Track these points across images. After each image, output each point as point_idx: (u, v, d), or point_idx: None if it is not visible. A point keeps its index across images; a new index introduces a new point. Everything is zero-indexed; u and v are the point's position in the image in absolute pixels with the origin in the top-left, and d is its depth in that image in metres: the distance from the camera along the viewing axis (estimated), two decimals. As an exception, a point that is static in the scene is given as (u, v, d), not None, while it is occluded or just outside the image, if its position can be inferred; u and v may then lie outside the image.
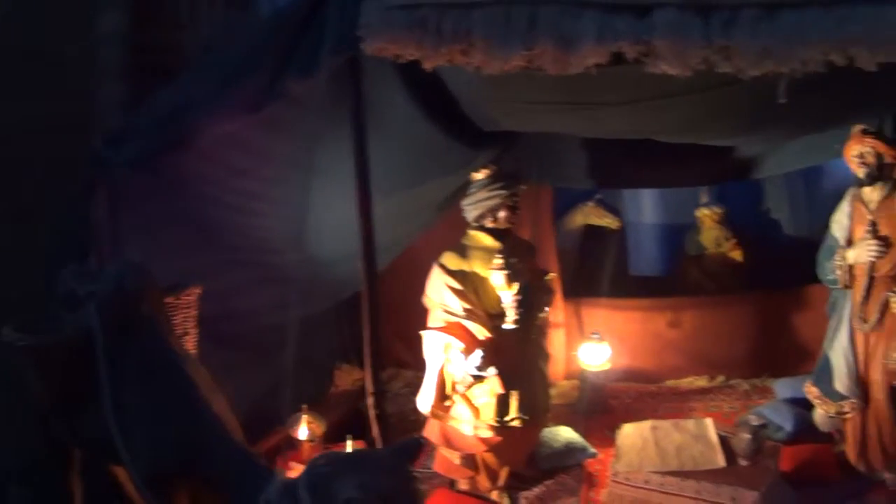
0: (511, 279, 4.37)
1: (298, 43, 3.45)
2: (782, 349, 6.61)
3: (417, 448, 2.78)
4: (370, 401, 3.85)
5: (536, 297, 4.60)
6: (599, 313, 6.94)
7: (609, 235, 8.02)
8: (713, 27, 2.94)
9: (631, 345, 6.86)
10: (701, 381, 6.86)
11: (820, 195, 6.82)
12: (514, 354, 4.49)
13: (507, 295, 4.39)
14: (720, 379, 6.85)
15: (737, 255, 7.80)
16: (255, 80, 3.49)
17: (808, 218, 7.34)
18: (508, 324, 4.42)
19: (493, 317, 4.47)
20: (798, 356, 6.12)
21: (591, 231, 7.90)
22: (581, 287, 7.15)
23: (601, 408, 6.22)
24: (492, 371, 4.31)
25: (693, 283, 7.78)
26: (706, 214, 7.82)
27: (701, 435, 5.25)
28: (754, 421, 5.09)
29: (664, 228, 8.65)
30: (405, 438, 3.29)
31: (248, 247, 4.44)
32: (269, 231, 4.44)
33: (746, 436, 4.97)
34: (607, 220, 7.85)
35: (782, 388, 6.22)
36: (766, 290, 7.18)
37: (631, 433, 5.38)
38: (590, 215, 7.81)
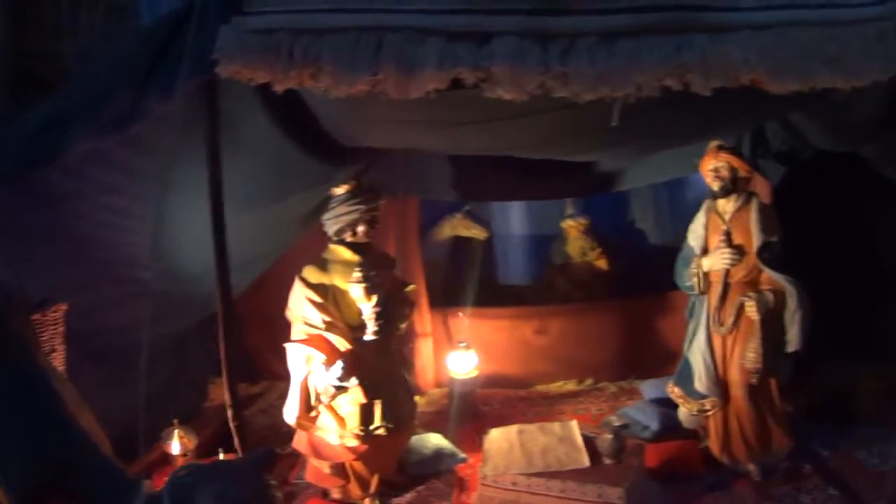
0: (370, 292, 4.46)
1: (159, 63, 3.50)
2: (647, 352, 6.88)
3: (272, 457, 2.91)
4: (229, 413, 3.89)
5: (396, 308, 4.71)
6: (469, 322, 7.04)
7: (477, 246, 8.19)
8: (551, 54, 3.12)
9: (499, 352, 7.04)
10: (570, 385, 7.08)
11: (683, 206, 7.05)
12: (376, 364, 4.58)
13: (366, 307, 4.49)
14: (588, 382, 7.09)
15: (602, 263, 8.08)
16: (120, 99, 3.52)
17: (671, 227, 7.59)
18: (369, 335, 4.50)
19: (353, 328, 4.55)
20: (662, 358, 6.33)
21: (460, 242, 8.07)
22: (450, 297, 7.29)
23: (472, 414, 6.34)
24: (354, 381, 4.39)
25: (559, 291, 8.00)
26: (571, 225, 8.08)
27: (566, 437, 5.49)
28: (616, 422, 5.36)
29: (531, 239, 8.87)
30: (260, 448, 3.42)
31: (116, 262, 4.44)
32: (136, 247, 4.44)
33: (609, 436, 5.22)
34: (475, 231, 8.03)
35: (648, 389, 6.49)
36: (630, 297, 7.44)
37: (498, 438, 5.58)
38: (458, 227, 8.00)
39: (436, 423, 6.18)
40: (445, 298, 7.26)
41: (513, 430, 5.71)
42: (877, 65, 3.31)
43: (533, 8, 3.17)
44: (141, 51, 3.59)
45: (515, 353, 7.18)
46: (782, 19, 3.30)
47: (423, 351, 6.93)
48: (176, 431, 4.87)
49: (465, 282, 7.56)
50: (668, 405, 5.74)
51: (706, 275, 5.19)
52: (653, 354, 6.79)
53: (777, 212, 5.97)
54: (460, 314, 6.96)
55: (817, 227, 6.22)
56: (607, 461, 5.24)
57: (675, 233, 5.56)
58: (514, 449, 5.41)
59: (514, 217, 8.85)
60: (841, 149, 5.44)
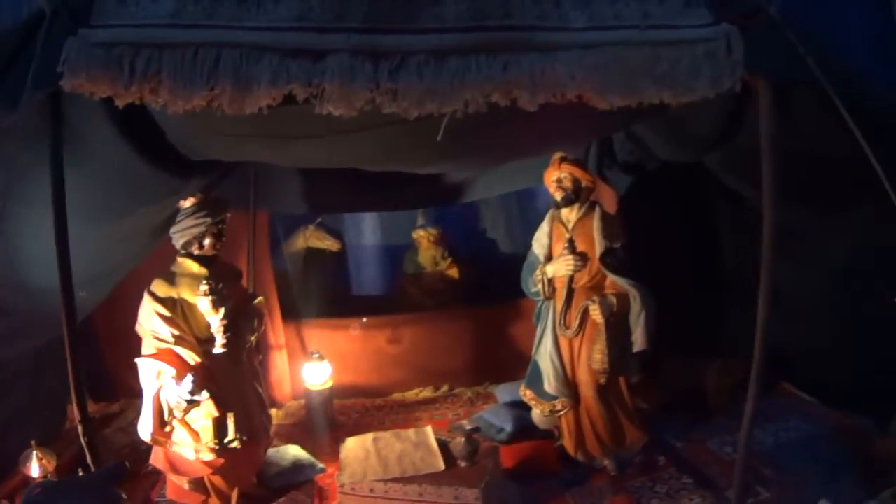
0: (217, 305, 4.49)
1: (6, 74, 3.45)
2: (501, 357, 7.08)
3: (122, 470, 2.97)
4: (80, 429, 3.85)
5: (244, 320, 4.79)
6: (322, 333, 7.20)
7: (330, 257, 8.28)
8: (381, 71, 3.25)
9: (354, 362, 7.17)
10: (426, 392, 7.27)
11: (533, 214, 7.21)
12: (227, 377, 4.64)
13: (214, 320, 4.53)
14: (444, 389, 7.31)
15: (453, 272, 8.30)
16: None
17: (522, 236, 7.80)
18: (218, 348, 4.56)
19: (203, 342, 4.59)
20: (516, 363, 6.42)
21: (313, 254, 8.12)
22: (304, 308, 7.36)
23: (329, 424, 6.42)
24: (205, 395, 4.40)
25: (412, 300, 8.13)
26: (422, 235, 8.27)
27: (421, 442, 5.55)
28: (467, 426, 5.44)
29: (384, 249, 9.04)
30: (111, 462, 3.46)
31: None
32: None
33: (461, 440, 5.30)
34: (328, 243, 8.08)
35: (503, 392, 6.69)
36: (482, 304, 7.66)
37: (354, 446, 5.60)
38: (311, 238, 8.04)
39: (294, 434, 6.29)
40: (299, 310, 7.33)
41: (368, 437, 5.76)
42: (704, 82, 3.55)
43: (365, 26, 3.29)
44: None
45: (370, 363, 7.32)
46: (612, 39, 3.51)
47: (278, 363, 6.98)
48: (34, 453, 4.75)
49: (319, 293, 7.66)
50: (522, 407, 5.95)
51: (551, 281, 5.40)
52: (506, 359, 6.97)
53: (624, 218, 6.24)
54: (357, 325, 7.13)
55: (664, 232, 6.53)
56: (462, 464, 5.33)
57: (526, 241, 5.75)
58: (370, 456, 5.46)
59: (367, 228, 8.99)
60: (683, 159, 5.67)
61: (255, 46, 3.29)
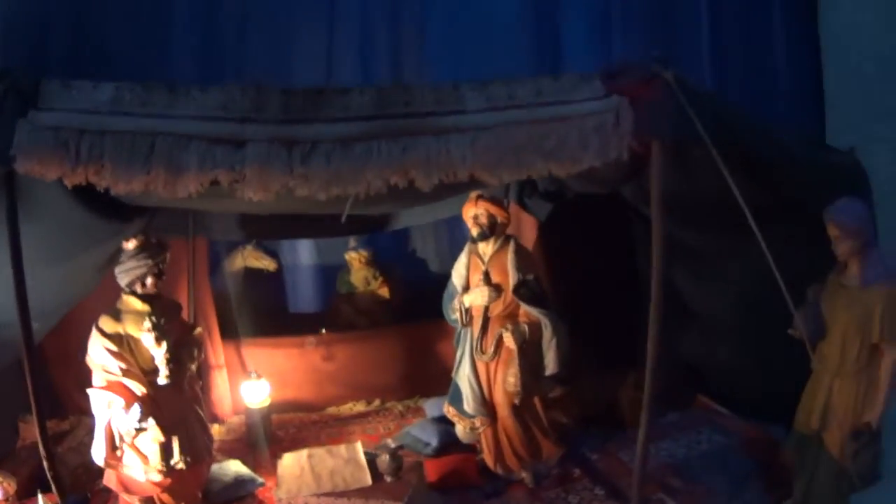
0: (160, 339, 4.77)
1: None
2: (430, 373, 7.41)
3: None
4: (45, 464, 4.29)
5: (185, 352, 5.07)
6: (260, 352, 7.47)
7: (268, 277, 8.54)
8: (294, 158, 3.67)
9: (291, 379, 7.50)
10: (359, 407, 7.64)
11: (460, 238, 7.48)
12: (170, 404, 4.93)
13: (158, 353, 4.81)
14: (377, 403, 7.69)
15: (384, 292, 8.64)
16: None
17: (451, 256, 7.70)
18: (162, 379, 4.84)
19: (147, 373, 4.86)
20: (444, 378, 6.55)
21: (251, 273, 8.38)
22: (243, 327, 7.59)
23: (269, 439, 6.69)
24: (151, 422, 4.72)
25: (345, 319, 8.45)
26: (354, 257, 8.60)
27: (351, 458, 6.02)
28: (392, 443, 5.92)
29: (319, 269, 9.27)
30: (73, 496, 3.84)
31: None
32: None
33: (386, 456, 5.79)
34: (265, 263, 8.35)
35: (431, 407, 7.05)
36: (412, 323, 8.00)
37: (290, 462, 6.05)
38: (248, 258, 8.29)
39: (236, 450, 6.58)
40: (238, 329, 7.55)
41: (303, 454, 6.16)
42: (591, 153, 3.98)
43: (281, 117, 3.71)
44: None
45: (307, 379, 7.63)
46: (503, 119, 3.93)
47: (219, 381, 7.25)
48: None
49: (257, 312, 7.88)
50: (448, 422, 6.28)
51: (468, 309, 5.82)
52: (434, 374, 7.28)
53: (545, 244, 6.72)
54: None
55: (582, 256, 6.91)
56: (388, 479, 5.79)
57: (454, 261, 6.12)
58: (304, 472, 5.87)
59: (302, 249, 9.22)
60: (597, 191, 5.96)
61: (185, 135, 3.68)
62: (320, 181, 3.76)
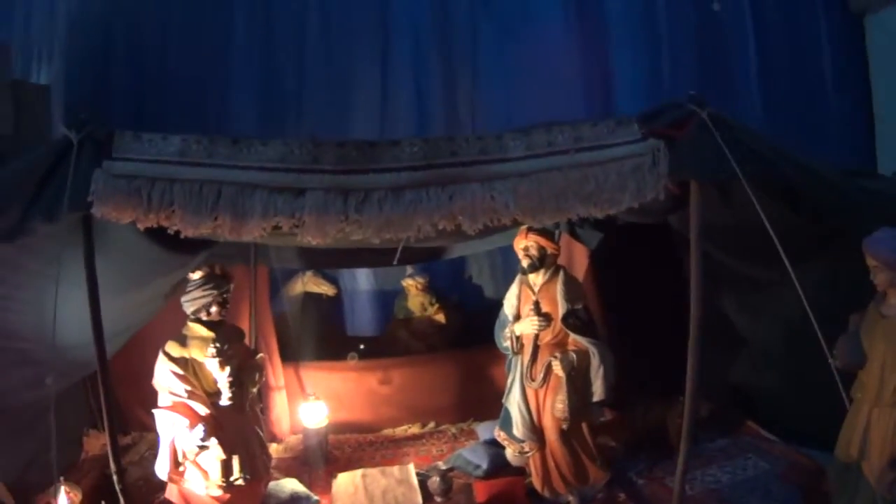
0: (224, 364, 5.15)
1: (43, 189, 4.11)
2: (483, 397, 7.56)
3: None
4: (115, 477, 4.61)
5: (247, 375, 5.42)
6: (319, 374, 7.82)
7: (327, 302, 8.93)
8: (350, 205, 4.02)
9: (348, 401, 7.82)
10: (414, 429, 7.90)
11: (515, 264, 7.24)
12: (232, 425, 5.27)
13: (221, 377, 5.19)
14: (431, 426, 7.94)
15: (440, 317, 8.98)
16: (8, 215, 4.10)
17: (505, 283, 7.80)
18: (224, 401, 5.20)
19: (211, 395, 5.22)
20: (496, 402, 6.63)
21: (311, 298, 8.74)
22: (302, 350, 7.96)
23: (325, 459, 7.02)
24: (213, 441, 5.06)
25: (402, 343, 8.77)
26: (411, 284, 8.96)
27: (404, 479, 6.30)
28: (442, 466, 6.22)
29: (376, 294, 9.61)
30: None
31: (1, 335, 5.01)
32: (20, 324, 5.03)
33: (437, 478, 6.08)
34: (325, 288, 8.72)
35: (483, 430, 7.25)
36: (467, 348, 8.32)
37: (344, 481, 6.34)
38: (308, 283, 8.65)
39: (293, 468, 6.87)
40: (297, 352, 7.91)
41: (358, 473, 6.45)
42: (629, 195, 4.26)
43: (336, 168, 4.06)
44: (26, 175, 4.19)
45: (363, 402, 7.93)
46: (544, 166, 4.24)
47: (278, 402, 7.60)
48: (62, 487, 5.21)
49: (316, 336, 8.26)
50: (499, 445, 6.45)
51: (519, 338, 6.08)
52: (487, 398, 7.31)
53: (595, 272, 6.93)
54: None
55: (633, 283, 7.10)
56: (438, 499, 6.06)
57: (508, 289, 6.35)
58: (358, 491, 6.16)
59: (361, 275, 9.54)
60: (645, 221, 6.08)
61: (248, 184, 4.05)
62: (374, 226, 4.10)
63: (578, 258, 7.79)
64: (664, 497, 6.05)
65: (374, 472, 6.51)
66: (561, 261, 6.35)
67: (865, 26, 10.35)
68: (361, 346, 8.38)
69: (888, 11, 9.88)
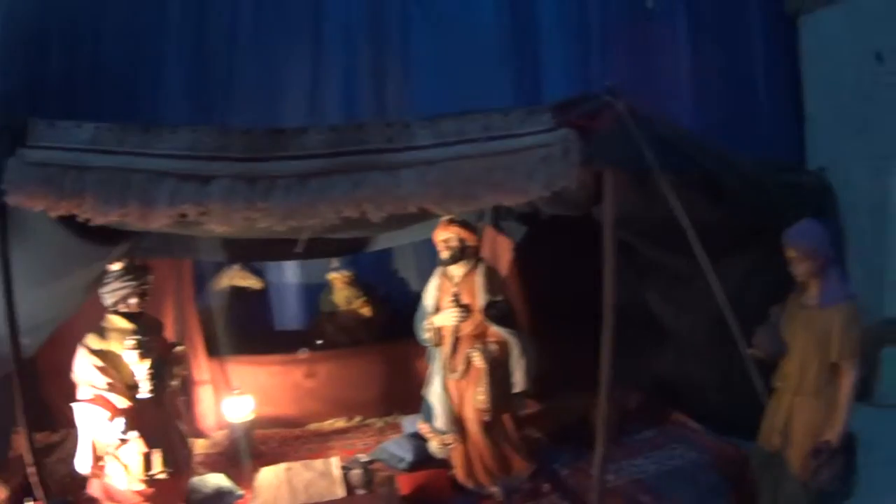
0: (143, 356, 5.12)
1: None
2: (410, 390, 7.50)
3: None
4: (29, 470, 4.67)
5: (167, 368, 5.38)
6: (245, 368, 7.83)
7: (254, 295, 8.96)
8: (256, 193, 4.05)
9: (274, 395, 7.85)
10: (340, 423, 8.00)
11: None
12: (152, 418, 5.20)
13: (140, 369, 5.10)
14: (357, 419, 8.04)
15: (366, 311, 9.04)
16: None
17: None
18: (144, 393, 5.11)
19: (130, 388, 5.13)
20: (421, 395, 6.73)
21: (238, 292, 8.75)
22: (228, 345, 7.92)
23: (251, 454, 7.01)
24: (133, 434, 5.04)
25: (328, 337, 8.83)
26: (336, 277, 8.99)
27: (327, 472, 6.39)
28: (363, 458, 6.29)
29: (303, 288, 9.64)
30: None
31: None
32: None
33: (358, 470, 6.18)
34: (251, 282, 8.76)
35: (408, 423, 7.34)
36: (392, 341, 8.35)
37: (268, 475, 6.41)
38: (235, 277, 8.67)
39: (219, 463, 6.90)
40: (223, 347, 7.88)
41: (281, 467, 6.52)
42: (538, 184, 4.29)
43: (244, 156, 4.11)
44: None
45: (289, 396, 7.98)
46: (452, 154, 4.28)
47: (204, 397, 7.60)
48: None
49: (243, 330, 8.26)
50: (423, 438, 6.61)
51: (439, 329, 6.18)
52: (414, 392, 7.13)
53: (520, 264, 7.03)
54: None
55: (557, 276, 7.19)
56: (360, 492, 6.13)
57: None
58: (281, 485, 6.21)
59: (288, 269, 9.58)
60: (571, 213, 6.02)
61: (157, 172, 4.09)
62: (279, 214, 4.15)
63: (502, 251, 7.91)
64: (589, 487, 5.98)
65: (297, 465, 6.58)
66: (485, 253, 6.51)
67: (799, 27, 10.70)
68: (319, 342, 8.58)
69: (821, 13, 10.21)
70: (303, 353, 8.25)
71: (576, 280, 6.94)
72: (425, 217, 5.32)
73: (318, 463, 6.59)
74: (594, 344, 6.72)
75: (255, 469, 6.72)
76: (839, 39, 9.87)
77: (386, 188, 4.22)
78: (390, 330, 8.78)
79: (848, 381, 4.77)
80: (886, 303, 9.25)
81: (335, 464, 6.53)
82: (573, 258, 6.89)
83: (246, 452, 7.06)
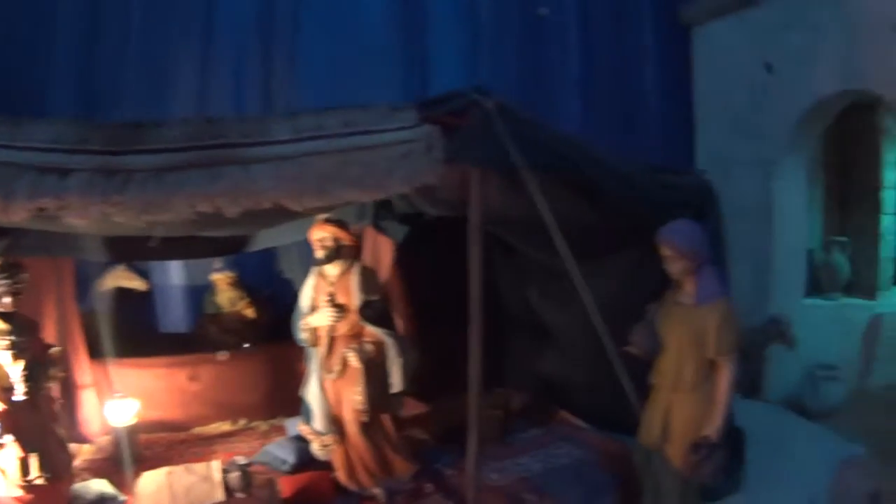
0: (17, 357, 5.09)
1: None
2: (294, 392, 7.28)
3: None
4: None
5: (42, 370, 5.36)
6: (129, 372, 7.75)
7: (139, 297, 8.87)
8: (113, 187, 4.05)
9: (159, 399, 7.81)
10: (225, 426, 8.01)
11: None
12: (28, 421, 5.15)
13: (15, 371, 5.06)
14: (242, 422, 8.07)
15: (250, 312, 9.07)
16: None
17: None
18: (18, 395, 5.07)
19: (5, 390, 5.08)
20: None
21: (122, 293, 8.63)
22: (112, 347, 7.68)
23: (135, 458, 6.94)
24: (9, 438, 5.02)
25: (212, 339, 8.79)
26: (219, 278, 9.00)
27: (208, 476, 6.40)
28: (242, 460, 6.32)
29: (188, 290, 9.62)
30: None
31: None
32: None
33: (236, 473, 6.22)
34: (136, 283, 8.66)
35: (292, 426, 7.34)
36: (276, 343, 8.29)
37: (149, 480, 6.40)
38: (119, 278, 8.56)
39: (103, 469, 6.79)
40: (107, 349, 7.67)
41: (163, 472, 6.51)
42: (397, 180, 4.36)
43: (104, 149, 4.10)
44: None
45: (174, 399, 7.95)
46: (308, 150, 4.32)
47: (88, 401, 7.52)
48: None
49: (127, 332, 8.11)
50: (306, 440, 6.58)
51: (315, 330, 6.23)
52: (298, 394, 7.19)
53: (402, 265, 7.12)
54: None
55: (440, 277, 7.01)
56: (239, 495, 6.17)
57: None
58: (161, 489, 6.21)
59: (172, 270, 9.53)
60: (448, 214, 6.30)
61: (18, 164, 4.05)
62: (135, 208, 4.13)
63: (383, 252, 7.92)
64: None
65: (179, 469, 6.58)
66: (366, 254, 6.62)
67: (693, 37, 11.23)
68: (246, 346, 8.67)
69: (713, 24, 10.73)
70: (222, 356, 8.31)
71: (458, 281, 6.96)
72: (303, 215, 5.36)
73: (200, 467, 6.59)
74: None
75: (139, 474, 6.67)
76: (730, 50, 10.37)
77: (241, 183, 4.24)
78: (275, 332, 8.76)
79: (725, 377, 4.92)
80: (773, 301, 9.69)
81: (216, 467, 6.55)
82: (456, 259, 6.89)
83: (129, 457, 6.98)
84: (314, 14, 9.70)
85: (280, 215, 4.87)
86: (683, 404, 5.07)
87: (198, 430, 8.02)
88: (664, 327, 5.14)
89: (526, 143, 4.66)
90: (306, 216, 5.78)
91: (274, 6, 9.66)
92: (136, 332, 8.60)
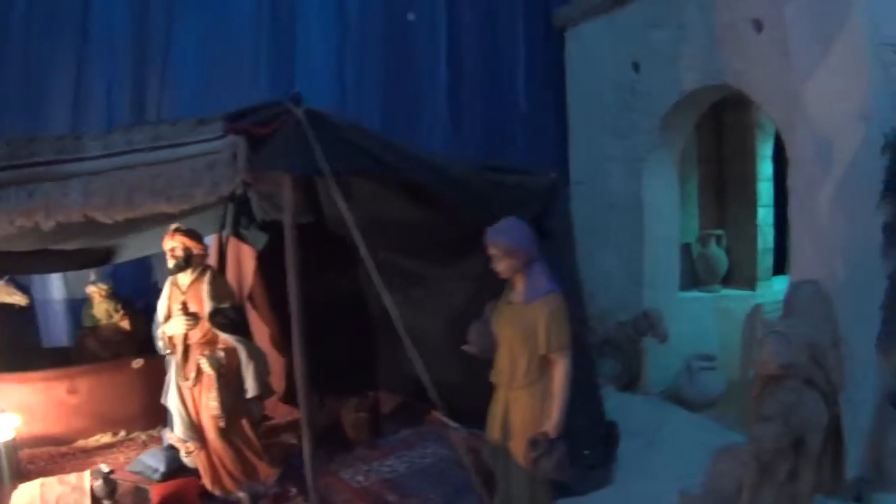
0: None
1: None
2: None
3: None
4: None
5: None
6: (8, 386, 7.86)
7: (19, 312, 8.94)
8: None
9: (39, 413, 7.99)
10: (106, 438, 8.30)
11: None
12: None
13: None
14: (122, 434, 8.39)
15: (126, 324, 9.25)
16: None
17: None
18: None
19: None
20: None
21: (2, 308, 8.69)
22: None
23: (17, 474, 7.03)
24: None
25: (91, 352, 9.00)
26: (94, 290, 9.20)
27: (78, 486, 6.58)
28: (104, 469, 6.55)
29: (69, 303, 9.72)
30: None
31: None
32: None
33: (99, 482, 6.45)
34: (16, 298, 8.76)
35: (167, 435, 7.40)
36: (153, 354, 8.18)
37: (23, 492, 6.58)
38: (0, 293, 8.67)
39: None
40: None
41: (37, 483, 6.65)
42: (203, 190, 4.68)
43: None
44: None
45: (54, 413, 8.14)
46: (117, 164, 4.65)
47: None
48: None
49: (7, 347, 8.31)
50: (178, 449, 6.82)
51: (171, 338, 6.49)
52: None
53: (264, 272, 7.44)
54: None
55: (305, 283, 7.63)
56: (105, 502, 6.41)
57: None
58: (34, 500, 6.43)
59: (53, 283, 9.63)
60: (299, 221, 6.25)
61: None
62: None
63: (246, 260, 8.25)
64: (337, 488, 6.66)
65: (52, 481, 6.74)
66: (229, 262, 7.02)
67: (566, 39, 11.51)
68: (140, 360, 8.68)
69: (584, 26, 11.01)
70: (137, 363, 8.57)
71: (324, 287, 7.43)
72: (163, 222, 5.74)
73: (72, 477, 6.75)
74: (343, 349, 7.31)
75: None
76: (601, 51, 10.64)
77: (55, 198, 4.55)
78: (151, 343, 8.64)
79: (560, 373, 5.04)
80: (645, 295, 9.97)
81: (86, 477, 6.72)
82: (322, 265, 7.44)
83: (8, 472, 7.08)
84: (185, 20, 9.93)
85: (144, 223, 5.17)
86: (520, 401, 5.18)
87: (80, 442, 8.23)
88: (496, 326, 5.21)
89: (340, 149, 4.94)
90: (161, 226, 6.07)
91: (147, 12, 9.85)
92: (18, 348, 8.77)
